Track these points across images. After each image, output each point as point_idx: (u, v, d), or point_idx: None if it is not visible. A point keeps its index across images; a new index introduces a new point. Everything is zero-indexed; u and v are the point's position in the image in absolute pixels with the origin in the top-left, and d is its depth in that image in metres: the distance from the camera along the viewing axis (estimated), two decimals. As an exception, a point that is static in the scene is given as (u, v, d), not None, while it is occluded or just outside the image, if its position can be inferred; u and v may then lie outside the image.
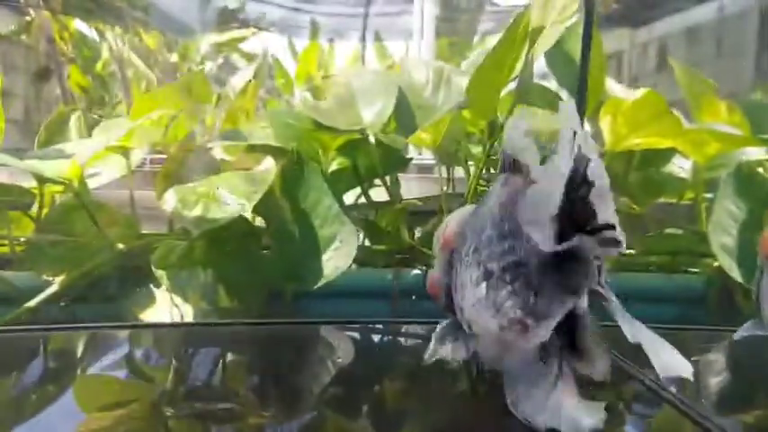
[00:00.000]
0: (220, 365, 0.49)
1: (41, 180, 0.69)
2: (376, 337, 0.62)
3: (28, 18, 3.48)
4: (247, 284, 0.67)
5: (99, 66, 3.35)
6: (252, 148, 0.75)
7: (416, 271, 0.75)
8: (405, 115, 0.74)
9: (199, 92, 0.69)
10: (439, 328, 0.38)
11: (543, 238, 0.29)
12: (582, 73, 0.49)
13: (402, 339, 0.61)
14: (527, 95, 0.64)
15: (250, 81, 0.78)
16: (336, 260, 0.65)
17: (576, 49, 0.72)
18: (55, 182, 0.67)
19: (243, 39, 3.43)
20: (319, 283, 0.64)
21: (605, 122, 0.61)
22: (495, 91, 0.65)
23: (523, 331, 0.31)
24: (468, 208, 0.39)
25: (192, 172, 0.66)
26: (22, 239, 0.73)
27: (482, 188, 0.69)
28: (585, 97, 0.49)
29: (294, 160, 0.68)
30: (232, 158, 0.77)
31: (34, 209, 0.75)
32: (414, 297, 0.75)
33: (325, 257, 0.66)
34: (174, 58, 3.42)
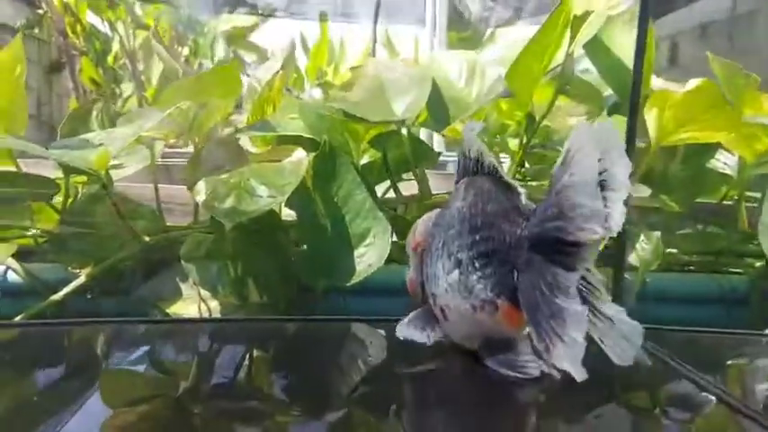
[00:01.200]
0: (248, 361, 0.47)
1: (68, 170, 0.68)
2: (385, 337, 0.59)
3: (40, 11, 3.48)
4: (277, 279, 0.66)
5: (110, 58, 3.34)
6: (282, 140, 0.73)
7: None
8: (438, 107, 0.72)
9: (228, 83, 0.67)
10: (412, 313, 0.44)
11: (596, 218, 0.32)
12: (636, 64, 0.47)
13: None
14: (567, 87, 0.62)
15: (278, 72, 0.77)
16: (370, 257, 0.63)
17: (617, 40, 0.70)
18: (83, 172, 0.65)
19: (253, 27, 3.42)
20: (352, 281, 0.62)
21: (651, 116, 0.59)
22: (533, 81, 0.63)
23: (494, 310, 0.37)
24: (434, 212, 0.43)
25: (223, 163, 0.64)
26: (46, 231, 0.72)
27: (519, 182, 0.66)
28: (640, 88, 0.47)
29: (326, 152, 0.66)
30: (259, 150, 0.76)
31: (57, 200, 0.74)
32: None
33: (357, 253, 0.64)
34: (185, 51, 3.41)
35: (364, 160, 0.75)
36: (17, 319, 0.62)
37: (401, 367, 0.45)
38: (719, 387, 0.38)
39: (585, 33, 0.59)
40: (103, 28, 3.35)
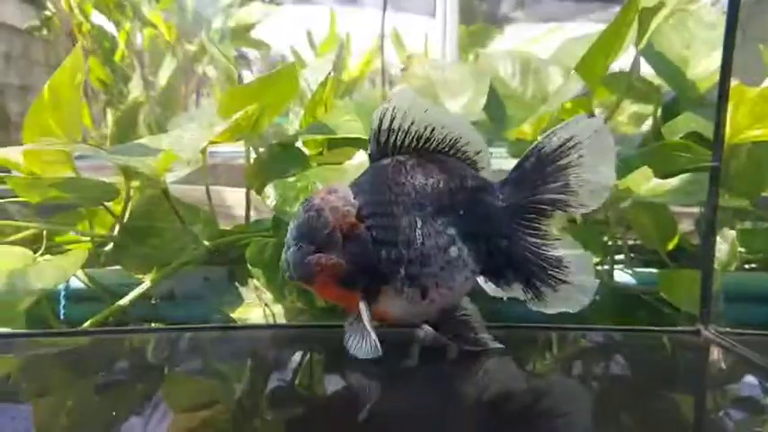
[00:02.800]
0: (315, 366, 0.47)
1: (129, 175, 0.68)
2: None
3: (47, 13, 3.47)
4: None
5: (117, 57, 3.33)
6: (334, 142, 0.73)
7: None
8: (495, 107, 0.71)
9: (287, 86, 0.67)
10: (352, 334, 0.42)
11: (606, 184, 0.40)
12: (725, 55, 0.47)
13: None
14: (638, 83, 0.62)
15: (330, 73, 0.76)
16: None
17: (670, 37, 0.69)
18: (147, 177, 0.65)
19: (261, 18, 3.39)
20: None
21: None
22: (599, 77, 0.62)
23: (474, 282, 0.43)
24: (339, 191, 0.42)
25: (287, 167, 0.64)
26: (106, 236, 0.72)
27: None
28: (728, 83, 0.47)
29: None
30: (311, 152, 0.75)
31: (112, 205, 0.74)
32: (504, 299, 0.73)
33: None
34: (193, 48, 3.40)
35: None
36: (85, 325, 0.62)
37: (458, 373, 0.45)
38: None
39: (655, 28, 0.59)
40: (110, 28, 3.34)
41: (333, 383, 0.44)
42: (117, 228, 0.70)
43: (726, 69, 0.46)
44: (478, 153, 0.43)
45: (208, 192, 0.79)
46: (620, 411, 0.38)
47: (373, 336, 0.40)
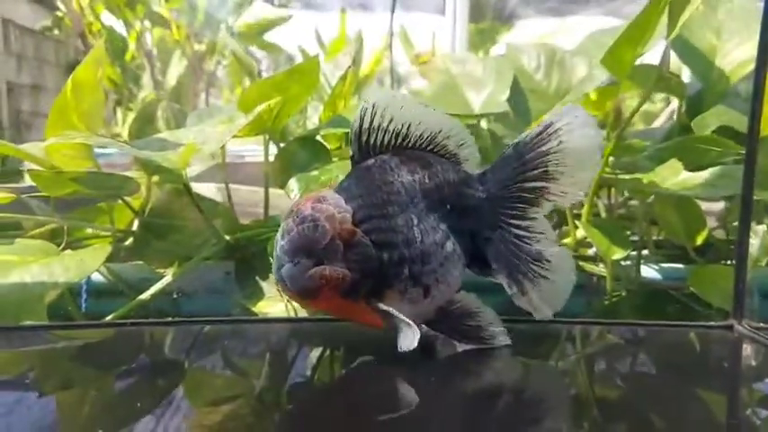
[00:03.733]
0: (336, 360, 0.47)
1: (150, 170, 0.67)
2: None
3: (58, 13, 3.49)
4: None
5: (128, 56, 3.35)
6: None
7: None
8: (519, 100, 0.71)
9: (308, 80, 0.66)
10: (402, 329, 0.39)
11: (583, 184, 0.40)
12: (760, 50, 0.46)
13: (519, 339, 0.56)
14: (668, 74, 0.61)
15: (349, 67, 0.76)
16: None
17: (703, 29, 0.68)
18: (168, 172, 0.64)
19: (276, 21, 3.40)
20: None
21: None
22: (627, 68, 0.61)
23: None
24: (327, 197, 0.39)
25: (309, 161, 0.63)
26: (126, 231, 0.71)
27: (608, 174, 0.65)
28: (765, 74, 0.46)
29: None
30: (331, 147, 0.75)
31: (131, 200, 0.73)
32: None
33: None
34: (202, 47, 3.41)
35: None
36: (108, 319, 0.62)
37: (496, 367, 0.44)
38: None
39: (686, 19, 0.57)
40: (119, 28, 3.36)
41: (355, 378, 0.43)
42: (137, 223, 0.70)
43: (762, 60, 0.45)
44: (461, 145, 0.42)
45: (227, 188, 0.79)
46: (659, 407, 0.37)
47: (413, 325, 0.38)
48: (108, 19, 3.53)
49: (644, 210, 0.68)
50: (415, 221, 0.39)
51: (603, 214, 0.71)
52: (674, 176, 0.57)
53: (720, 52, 0.65)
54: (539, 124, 0.40)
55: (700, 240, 0.65)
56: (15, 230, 0.72)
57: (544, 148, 0.40)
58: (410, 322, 0.38)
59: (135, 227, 0.70)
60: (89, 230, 0.73)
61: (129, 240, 0.71)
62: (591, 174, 0.40)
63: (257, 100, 0.64)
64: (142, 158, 0.63)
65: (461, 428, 0.34)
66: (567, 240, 0.70)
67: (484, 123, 0.71)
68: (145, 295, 0.64)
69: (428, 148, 0.41)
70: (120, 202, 0.71)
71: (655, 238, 0.73)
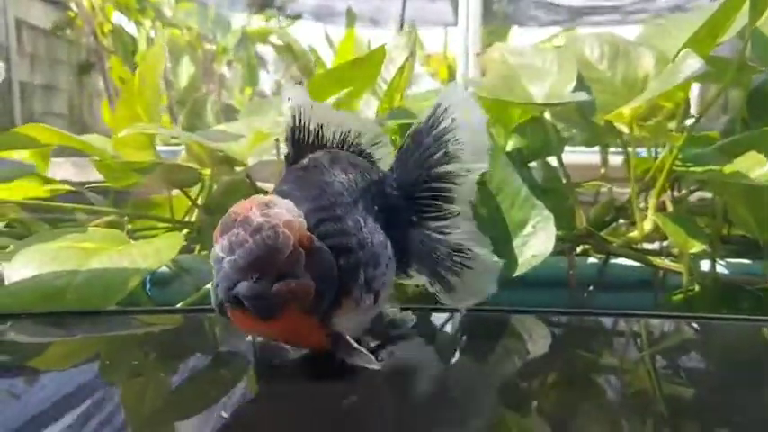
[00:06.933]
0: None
1: (213, 160, 0.66)
2: (553, 329, 0.57)
3: (70, 13, 3.49)
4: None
5: (138, 57, 3.35)
6: (406, 128, 0.71)
7: (593, 259, 0.71)
8: (583, 91, 0.69)
9: (372, 70, 0.65)
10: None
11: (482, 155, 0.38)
12: None
13: (579, 331, 0.54)
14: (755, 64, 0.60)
15: (407, 59, 0.75)
16: (534, 247, 0.61)
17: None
18: (229, 161, 0.64)
19: (283, 29, 3.41)
20: (516, 273, 0.60)
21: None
22: (704, 57, 0.60)
23: None
24: (277, 200, 0.34)
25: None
26: (187, 222, 0.70)
27: (678, 168, 0.64)
28: None
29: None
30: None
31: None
32: (590, 287, 0.71)
33: (516, 243, 0.62)
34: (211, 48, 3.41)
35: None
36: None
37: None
38: None
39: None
40: (130, 28, 3.36)
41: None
42: (196, 213, 0.69)
43: None
44: (374, 145, 0.40)
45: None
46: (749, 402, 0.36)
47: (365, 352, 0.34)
48: (119, 19, 3.53)
49: (719, 203, 0.66)
50: (362, 222, 0.36)
51: (670, 208, 0.69)
52: (759, 168, 0.56)
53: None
54: (428, 109, 0.39)
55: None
56: (67, 222, 0.72)
57: (439, 130, 0.38)
58: (370, 356, 0.34)
59: (194, 217, 0.69)
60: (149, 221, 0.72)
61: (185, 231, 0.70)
62: (484, 143, 0.38)
63: (325, 90, 0.63)
64: (207, 147, 0.62)
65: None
66: (633, 234, 0.69)
67: (547, 115, 0.70)
68: (209, 285, 0.63)
69: (342, 149, 0.39)
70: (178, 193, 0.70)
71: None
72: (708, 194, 0.75)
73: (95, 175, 0.70)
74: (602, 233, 0.71)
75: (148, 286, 0.65)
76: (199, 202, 0.71)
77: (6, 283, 0.46)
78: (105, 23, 3.36)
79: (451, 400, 0.35)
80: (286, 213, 0.32)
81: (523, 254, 0.61)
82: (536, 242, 0.61)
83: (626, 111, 0.62)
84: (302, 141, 0.38)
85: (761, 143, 0.59)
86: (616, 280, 0.70)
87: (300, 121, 0.37)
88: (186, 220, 0.72)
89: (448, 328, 0.53)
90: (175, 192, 0.69)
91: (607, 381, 0.40)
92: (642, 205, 0.70)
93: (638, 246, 0.70)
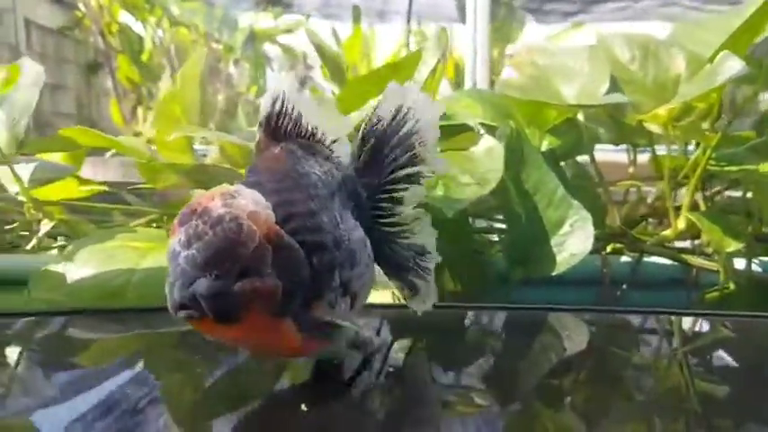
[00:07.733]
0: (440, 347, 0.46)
1: (248, 161, 0.67)
2: (586, 327, 0.57)
3: (78, 13, 3.50)
4: (470, 268, 0.65)
5: (145, 56, 3.35)
6: (447, 129, 0.72)
7: (626, 258, 0.72)
8: (614, 91, 0.70)
9: (406, 74, 0.66)
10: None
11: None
12: None
13: (610, 330, 0.55)
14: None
15: (439, 61, 0.75)
16: (572, 246, 0.62)
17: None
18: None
19: (291, 28, 3.41)
20: (555, 271, 0.61)
21: None
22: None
23: None
24: (242, 190, 0.30)
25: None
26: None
27: (712, 167, 0.65)
28: None
29: (514, 139, 0.65)
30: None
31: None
32: (624, 286, 0.72)
33: (553, 242, 0.63)
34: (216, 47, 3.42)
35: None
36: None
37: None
38: None
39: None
40: (137, 27, 3.37)
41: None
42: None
43: None
44: (335, 142, 0.37)
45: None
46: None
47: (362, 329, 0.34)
48: (126, 19, 3.54)
49: (754, 202, 0.67)
50: (339, 218, 0.33)
51: (702, 207, 0.70)
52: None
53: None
54: (384, 109, 0.37)
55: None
56: (105, 223, 0.73)
57: (404, 132, 0.37)
58: (352, 325, 0.33)
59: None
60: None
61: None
62: (436, 144, 0.38)
63: (359, 95, 0.64)
64: (243, 148, 0.63)
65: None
66: (666, 232, 0.69)
67: (580, 116, 0.71)
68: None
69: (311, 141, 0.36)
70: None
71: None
72: (736, 193, 0.76)
73: (112, 174, 0.70)
74: (632, 231, 0.71)
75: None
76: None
77: (68, 281, 0.47)
78: (113, 23, 3.37)
79: (492, 395, 0.35)
80: (252, 204, 0.29)
81: (561, 253, 0.62)
82: (574, 241, 0.62)
83: (662, 111, 0.63)
84: (279, 130, 0.35)
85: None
86: (649, 278, 0.71)
87: (282, 107, 0.35)
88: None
89: (487, 326, 0.54)
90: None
91: (642, 378, 0.41)
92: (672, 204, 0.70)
93: (671, 244, 0.71)
